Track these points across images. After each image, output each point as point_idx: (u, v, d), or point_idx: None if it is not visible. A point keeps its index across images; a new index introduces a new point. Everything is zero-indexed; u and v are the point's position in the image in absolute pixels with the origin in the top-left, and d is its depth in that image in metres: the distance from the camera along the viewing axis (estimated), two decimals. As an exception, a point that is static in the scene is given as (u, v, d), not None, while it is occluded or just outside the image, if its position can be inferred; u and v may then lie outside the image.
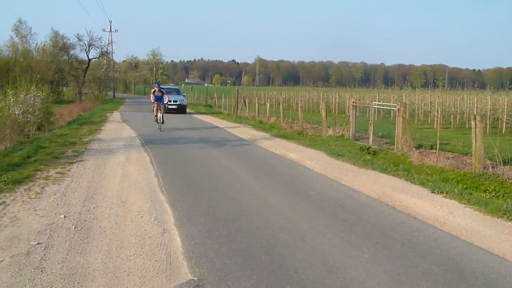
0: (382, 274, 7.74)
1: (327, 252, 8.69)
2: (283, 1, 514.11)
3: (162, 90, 34.28)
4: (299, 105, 37.72)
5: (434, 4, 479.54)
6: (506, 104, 39.69)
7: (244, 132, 31.35)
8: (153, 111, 33.63)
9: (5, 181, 13.47)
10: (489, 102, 42.31)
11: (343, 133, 27.28)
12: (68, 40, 78.18)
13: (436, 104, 43.84)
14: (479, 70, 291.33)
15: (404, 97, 53.21)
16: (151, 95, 33.31)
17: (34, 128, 29.46)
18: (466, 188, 14.00)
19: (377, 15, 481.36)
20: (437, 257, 8.61)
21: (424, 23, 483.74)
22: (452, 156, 19.69)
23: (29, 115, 27.57)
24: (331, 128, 29.16)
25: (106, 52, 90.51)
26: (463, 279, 7.61)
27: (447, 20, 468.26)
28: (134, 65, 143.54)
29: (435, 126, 37.35)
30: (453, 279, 7.61)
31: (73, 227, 9.86)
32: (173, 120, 40.72)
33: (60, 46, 76.83)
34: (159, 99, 32.92)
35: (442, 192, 13.47)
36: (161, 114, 31.73)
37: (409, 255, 8.64)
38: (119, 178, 14.97)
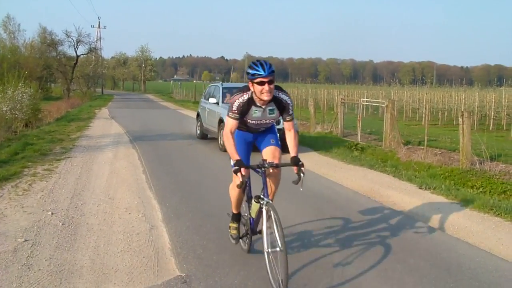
0: (369, 269, 7.76)
1: (313, 251, 8.70)
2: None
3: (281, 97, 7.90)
4: (287, 101, 37.75)
5: (423, 1, 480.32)
6: (493, 101, 39.85)
7: (233, 128, 31.30)
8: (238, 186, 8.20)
9: (-8, 178, 13.45)
10: (477, 99, 42.51)
11: (332, 129, 27.32)
12: (56, 36, 77.74)
13: (424, 101, 43.86)
14: (467, 67, 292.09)
15: (392, 94, 53.39)
16: (231, 123, 7.76)
17: (22, 124, 29.42)
18: (454, 184, 14.05)
19: (366, 12, 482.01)
20: (423, 252, 8.64)
21: (412, 20, 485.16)
22: (440, 152, 19.75)
23: (16, 112, 27.58)
24: (320, 125, 29.21)
25: (95, 48, 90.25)
26: (449, 274, 7.64)
27: (435, 17, 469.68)
28: (122, 61, 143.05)
29: (423, 123, 37.42)
30: (439, 274, 7.63)
31: (61, 224, 9.84)
32: (160, 116, 40.65)
33: (48, 42, 76.41)
34: (260, 133, 8.69)
35: (430, 188, 13.49)
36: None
37: (396, 251, 8.66)
38: (107, 175, 14.95)
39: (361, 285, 7.19)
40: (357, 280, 7.37)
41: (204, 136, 24.59)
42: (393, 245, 9.02)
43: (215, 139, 22.31)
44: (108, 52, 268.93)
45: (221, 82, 25.13)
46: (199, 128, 25.24)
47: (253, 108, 7.55)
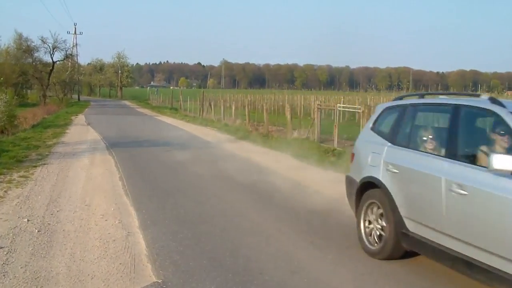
0: (345, 274, 7.81)
1: (291, 254, 8.74)
2: (249, 4, 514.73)
3: None
4: (264, 107, 37.84)
5: (397, 7, 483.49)
6: (469, 106, 40.17)
7: (209, 134, 31.39)
8: None
9: (-33, 185, 13.37)
10: (453, 104, 42.75)
11: (308, 135, 27.35)
12: (32, 42, 77.46)
13: (401, 106, 44.12)
14: (442, 72, 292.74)
15: (369, 100, 53.67)
16: None
17: (-3, 131, 29.23)
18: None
19: (342, 18, 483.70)
20: (400, 257, 8.69)
21: (388, 26, 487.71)
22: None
23: (-8, 118, 27.37)
24: (296, 131, 29.23)
25: (71, 54, 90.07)
26: (425, 280, 7.69)
27: (410, 23, 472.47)
28: (99, 67, 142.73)
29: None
30: (415, 281, 7.69)
31: (37, 230, 9.79)
32: (137, 123, 40.61)
33: (24, 48, 76.10)
34: None
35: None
36: None
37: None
38: (83, 181, 14.90)
39: (337, 290, 7.24)
40: (334, 284, 7.41)
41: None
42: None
43: (192, 148, 22.22)
44: (84, 58, 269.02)
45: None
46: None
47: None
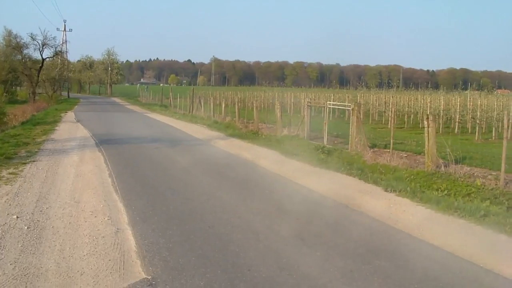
0: (334, 271, 7.84)
1: (280, 250, 8.77)
2: (238, 1, 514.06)
3: None
4: (254, 105, 37.84)
5: (387, 5, 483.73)
6: (458, 104, 40.23)
7: (199, 132, 31.36)
8: None
9: (-44, 181, 13.33)
10: (442, 102, 42.81)
11: (298, 132, 27.34)
12: (21, 39, 76.88)
13: (391, 104, 44.17)
14: (433, 70, 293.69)
15: (358, 97, 53.57)
16: None
17: (-14, 128, 29.14)
18: (419, 187, 14.17)
19: (333, 16, 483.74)
20: (389, 254, 8.74)
21: (378, 23, 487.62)
22: (406, 155, 19.93)
23: (-19, 115, 27.28)
24: (286, 128, 29.21)
25: (61, 51, 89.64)
26: (414, 276, 7.75)
27: (401, 21, 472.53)
28: (89, 65, 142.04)
29: (389, 126, 37.62)
30: (404, 276, 7.74)
31: (26, 227, 9.79)
32: (126, 120, 40.53)
33: (13, 45, 75.60)
34: None
35: (395, 190, 13.63)
36: None
37: (362, 252, 8.76)
38: (72, 178, 14.88)
39: (326, 287, 7.26)
40: (323, 281, 7.44)
41: None
42: (358, 247, 9.10)
43: (181, 145, 22.20)
44: (74, 56, 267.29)
45: None
46: None
47: None
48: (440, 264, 8.31)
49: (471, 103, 39.47)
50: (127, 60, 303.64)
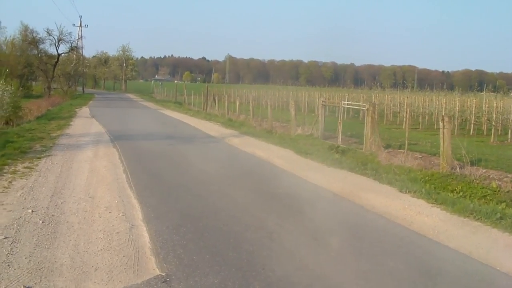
0: (348, 271, 7.81)
1: (294, 250, 8.75)
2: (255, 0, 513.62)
3: None
4: (268, 103, 37.92)
5: (403, 6, 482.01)
6: (474, 105, 39.99)
7: (213, 129, 31.35)
8: None
9: (-28, 175, 13.39)
10: (457, 103, 42.62)
11: (312, 132, 27.32)
12: (37, 34, 76.95)
13: (405, 105, 43.86)
14: (448, 71, 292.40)
15: (373, 97, 53.42)
16: None
17: (2, 122, 29.25)
18: (434, 188, 14.11)
19: (348, 15, 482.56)
20: (403, 255, 8.71)
21: (394, 23, 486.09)
22: (420, 156, 19.84)
23: (-4, 109, 27.34)
24: (300, 127, 29.18)
25: (76, 47, 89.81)
26: (429, 278, 7.71)
27: (416, 21, 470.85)
28: (104, 60, 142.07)
29: (403, 127, 37.48)
30: (419, 277, 7.71)
31: (41, 221, 9.82)
32: (141, 116, 40.59)
33: (30, 40, 75.72)
34: None
35: (410, 191, 13.58)
36: None
37: (376, 253, 8.73)
38: (87, 174, 14.92)
39: (340, 287, 7.24)
40: (337, 281, 7.42)
41: None
42: (373, 247, 9.07)
43: (196, 142, 22.23)
44: (89, 51, 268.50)
45: None
46: None
47: None
48: (456, 267, 8.27)
49: (487, 105, 39.23)
50: (142, 57, 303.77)
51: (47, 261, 7.72)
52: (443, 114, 29.76)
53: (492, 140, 32.87)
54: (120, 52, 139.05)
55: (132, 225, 9.91)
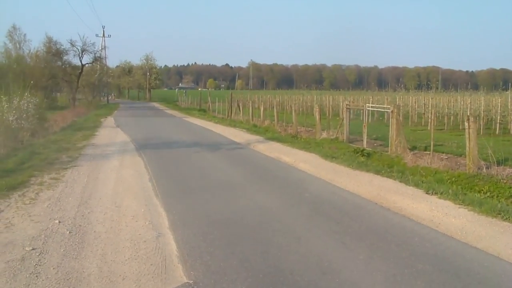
0: (377, 275, 7.76)
1: (321, 254, 8.71)
2: (277, 5, 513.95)
3: None
4: (293, 108, 37.76)
5: (427, 7, 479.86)
6: (499, 105, 39.61)
7: (238, 135, 31.36)
8: None
9: (-1, 187, 13.47)
10: (483, 103, 42.24)
11: (337, 135, 27.27)
12: (61, 45, 77.55)
13: (430, 106, 43.64)
14: (472, 71, 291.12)
15: (397, 99, 53.19)
16: None
17: (28, 134, 29.38)
18: (461, 189, 14.00)
19: (371, 18, 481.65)
20: (432, 257, 8.63)
21: (417, 25, 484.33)
22: (446, 157, 19.72)
23: (22, 121, 27.51)
24: (325, 131, 29.16)
25: (100, 57, 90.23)
26: (458, 279, 7.64)
27: (440, 21, 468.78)
28: (127, 70, 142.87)
29: (429, 128, 37.25)
30: (448, 279, 7.63)
31: (68, 232, 9.85)
32: (165, 124, 40.71)
33: (54, 51, 76.30)
34: None
35: (437, 193, 13.48)
36: None
37: (404, 256, 8.66)
38: (113, 183, 14.97)
39: (369, 290, 7.20)
40: (365, 285, 7.37)
41: None
42: (400, 250, 9.00)
43: (221, 149, 22.23)
44: (113, 61, 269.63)
45: None
46: None
47: None
48: (485, 268, 8.18)
49: (513, 104, 38.92)
50: (165, 65, 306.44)
51: (75, 271, 7.74)
52: (468, 114, 29.58)
53: (519, 139, 32.56)
54: (144, 61, 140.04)
55: (159, 233, 9.92)
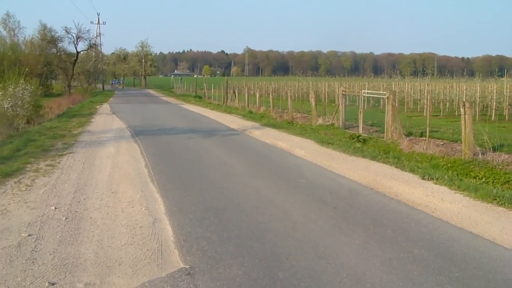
0: (373, 259, 7.77)
1: (318, 239, 8.72)
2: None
3: None
4: (288, 94, 37.78)
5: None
6: (495, 91, 39.63)
7: (234, 122, 31.34)
8: None
9: (-5, 174, 13.45)
10: (478, 89, 42.28)
11: (333, 121, 27.29)
12: (56, 33, 77.33)
13: (426, 92, 43.58)
14: (468, 58, 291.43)
15: (393, 86, 53.20)
16: None
17: (24, 121, 29.35)
18: (457, 175, 14.03)
19: (366, 4, 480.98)
20: (427, 242, 8.65)
21: (412, 11, 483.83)
22: (442, 143, 19.74)
23: (18, 109, 27.50)
24: (321, 117, 29.16)
25: (95, 44, 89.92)
26: (453, 264, 7.65)
27: (435, 8, 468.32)
28: (123, 57, 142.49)
29: (424, 114, 37.21)
30: (443, 264, 7.64)
31: (64, 218, 9.85)
32: (161, 111, 40.68)
33: (48, 39, 76.09)
34: None
35: (432, 178, 13.49)
36: None
37: (400, 241, 8.68)
38: (109, 169, 14.96)
39: (365, 275, 7.20)
40: (361, 269, 7.38)
41: None
42: (397, 235, 9.02)
43: (217, 135, 22.23)
44: (108, 48, 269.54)
45: None
46: None
47: None
48: (480, 252, 8.20)
49: (508, 90, 38.92)
50: (161, 52, 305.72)
51: (71, 257, 7.75)
52: (464, 100, 29.65)
53: (514, 125, 32.60)
54: (139, 48, 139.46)
55: (155, 219, 9.93)
